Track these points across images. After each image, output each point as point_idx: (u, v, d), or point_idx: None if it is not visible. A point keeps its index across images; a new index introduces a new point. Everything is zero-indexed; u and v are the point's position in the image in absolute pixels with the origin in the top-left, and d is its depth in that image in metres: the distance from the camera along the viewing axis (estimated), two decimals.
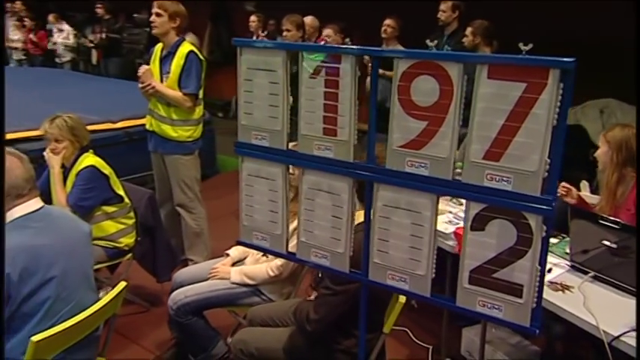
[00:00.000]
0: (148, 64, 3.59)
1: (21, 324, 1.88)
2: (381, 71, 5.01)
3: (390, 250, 1.62)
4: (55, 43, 9.10)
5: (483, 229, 1.47)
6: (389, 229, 1.61)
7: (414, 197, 1.55)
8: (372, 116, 1.59)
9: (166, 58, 3.50)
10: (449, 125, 1.45)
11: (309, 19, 6.13)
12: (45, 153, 2.95)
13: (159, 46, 3.58)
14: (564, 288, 2.26)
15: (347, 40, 5.64)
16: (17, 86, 6.85)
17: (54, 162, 2.88)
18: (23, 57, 9.58)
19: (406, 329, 3.20)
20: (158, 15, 3.41)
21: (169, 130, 3.47)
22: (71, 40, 9.03)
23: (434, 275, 1.58)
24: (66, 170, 2.96)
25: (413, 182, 1.53)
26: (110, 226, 3.02)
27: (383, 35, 5.22)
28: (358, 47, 1.53)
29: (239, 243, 1.93)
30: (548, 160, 1.34)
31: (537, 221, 1.39)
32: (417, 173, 1.52)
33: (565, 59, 1.27)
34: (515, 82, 1.34)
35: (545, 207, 1.36)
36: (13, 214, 1.92)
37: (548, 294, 2.19)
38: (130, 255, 3.15)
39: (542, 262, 1.42)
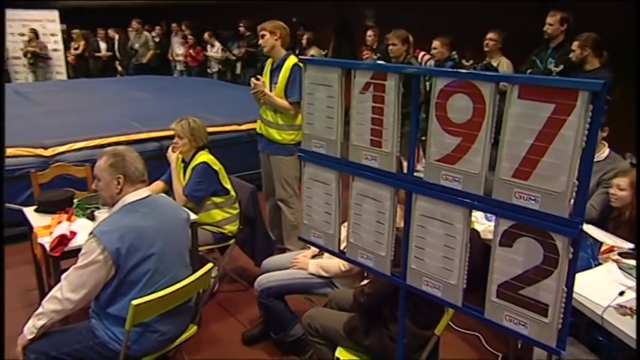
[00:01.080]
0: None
1: (128, 289, 2.11)
2: None
3: (426, 258, 1.58)
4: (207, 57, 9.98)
5: (511, 246, 1.37)
6: (425, 238, 1.56)
7: (448, 209, 1.49)
8: (413, 132, 1.55)
9: (275, 71, 3.68)
10: (481, 142, 1.37)
11: None
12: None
13: (270, 61, 3.78)
14: (634, 313, 2.00)
15: (453, 52, 5.46)
16: (177, 92, 7.62)
17: (172, 158, 3.20)
18: (184, 68, 10.58)
19: (478, 334, 3.04)
20: (262, 36, 3.61)
21: (275, 134, 3.65)
22: (219, 54, 9.80)
23: (465, 285, 1.51)
24: (185, 164, 3.25)
25: (447, 195, 1.48)
26: (217, 214, 3.26)
27: (485, 49, 4.96)
28: (400, 65, 1.50)
29: (300, 239, 2.00)
30: (576, 182, 1.22)
31: (564, 242, 1.27)
32: (451, 187, 1.46)
33: (594, 81, 1.15)
34: (545, 103, 1.24)
35: (571, 229, 1.24)
36: (126, 199, 2.17)
37: (613, 317, 1.97)
38: (233, 240, 3.36)
39: (569, 283, 1.29)
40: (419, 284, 1.61)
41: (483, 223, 2.78)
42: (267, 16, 9.81)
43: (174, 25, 10.86)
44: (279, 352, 2.90)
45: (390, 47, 4.94)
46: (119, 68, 11.35)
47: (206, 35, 9.99)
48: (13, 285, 3.33)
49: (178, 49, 10.55)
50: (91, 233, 2.07)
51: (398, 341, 1.76)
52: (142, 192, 2.21)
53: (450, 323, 3.01)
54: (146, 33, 10.68)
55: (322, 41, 8.91)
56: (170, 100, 6.82)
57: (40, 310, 2.08)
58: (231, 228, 3.32)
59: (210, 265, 2.32)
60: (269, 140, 3.70)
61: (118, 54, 11.32)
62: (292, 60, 3.62)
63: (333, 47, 8.87)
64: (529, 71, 4.42)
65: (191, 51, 10.26)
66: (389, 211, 1.64)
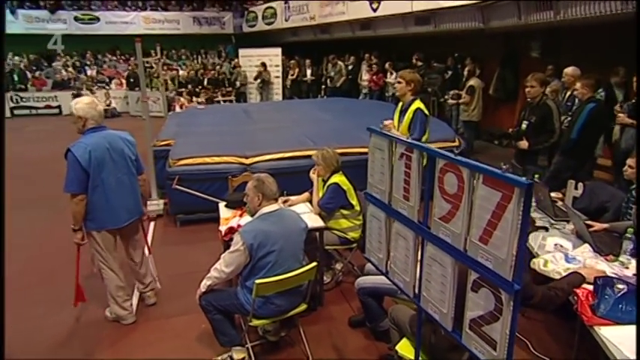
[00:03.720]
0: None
1: (257, 272, 2.75)
2: (630, 121, 4.35)
3: (431, 289, 1.84)
4: (386, 83, 10.54)
5: (477, 292, 1.58)
6: (430, 274, 1.83)
7: (443, 256, 1.74)
8: (427, 196, 1.82)
9: (403, 112, 4.03)
10: (461, 211, 1.61)
11: (570, 70, 5.62)
12: None
13: (400, 104, 4.13)
14: None
15: (599, 90, 4.97)
16: (353, 114, 8.24)
17: (313, 178, 3.81)
18: (367, 91, 11.34)
19: (527, 340, 3.08)
20: (399, 82, 3.96)
21: None
22: (394, 81, 10.25)
23: (453, 315, 1.74)
24: (324, 182, 3.83)
25: (442, 245, 1.73)
26: (344, 223, 3.76)
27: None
28: (421, 145, 1.80)
29: (365, 257, 2.38)
30: (514, 254, 1.40)
31: (506, 297, 1.45)
32: (445, 239, 1.72)
33: (525, 181, 1.33)
34: (496, 191, 1.44)
35: (510, 288, 1.42)
36: (262, 210, 2.83)
37: None
38: (355, 245, 3.83)
39: (512, 329, 1.46)
40: (427, 308, 1.89)
41: (560, 264, 2.73)
42: (438, 48, 9.90)
43: (366, 55, 11.68)
44: (373, 337, 3.28)
45: (528, 89, 4.76)
46: (321, 91, 12.72)
47: (387, 65, 10.55)
48: (209, 253, 4.32)
49: (364, 75, 11.35)
50: (239, 231, 2.80)
51: (415, 347, 2.04)
52: (273, 206, 2.85)
53: None
54: (340, 62, 11.74)
55: (488, 71, 8.68)
56: (344, 121, 7.49)
57: (208, 274, 2.87)
58: (354, 234, 3.79)
59: (314, 263, 2.85)
60: None
61: (322, 79, 12.72)
62: (416, 105, 3.93)
63: (497, 77, 8.57)
64: None
65: (374, 77, 10.94)
66: (412, 249, 1.94)
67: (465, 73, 7.95)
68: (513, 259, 1.40)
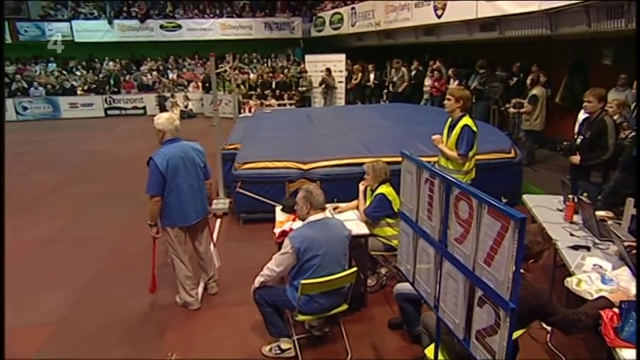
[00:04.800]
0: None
1: (303, 273, 3.06)
2: None
3: (447, 301, 2.04)
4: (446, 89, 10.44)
5: (482, 307, 1.77)
6: (446, 287, 2.03)
7: (457, 273, 1.93)
8: (445, 216, 2.02)
9: (452, 127, 4.15)
10: (471, 235, 1.80)
11: None
12: None
13: (450, 119, 4.24)
14: None
15: None
16: (412, 121, 8.22)
17: (360, 189, 4.05)
18: (429, 97, 11.27)
19: (563, 357, 3.08)
20: (448, 99, 4.09)
21: None
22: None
23: (464, 325, 1.93)
24: (372, 191, 4.06)
25: (455, 263, 1.93)
26: (388, 231, 3.97)
27: None
28: (444, 175, 2.00)
29: (394, 266, 2.61)
30: (510, 277, 1.58)
31: (503, 314, 1.63)
32: (457, 259, 1.91)
33: (519, 215, 1.51)
34: (497, 221, 1.62)
35: (507, 307, 1.60)
36: (310, 218, 3.13)
37: None
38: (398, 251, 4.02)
39: (509, 342, 1.64)
40: (443, 317, 2.09)
41: (595, 284, 2.77)
42: (504, 55, 9.62)
43: (431, 61, 11.60)
44: (409, 340, 3.47)
45: (585, 104, 4.66)
46: (384, 96, 12.84)
47: (450, 71, 10.45)
48: (266, 250, 4.66)
49: (426, 81, 11.31)
50: (288, 235, 3.13)
51: (436, 350, 2.24)
52: (320, 215, 3.15)
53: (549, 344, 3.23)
54: (403, 68, 11.78)
55: (556, 79, 8.36)
56: (402, 128, 7.52)
57: (262, 272, 3.23)
58: (397, 242, 3.99)
59: (354, 268, 3.11)
60: None
61: (385, 83, 12.83)
62: (464, 121, 4.03)
63: (565, 85, 8.21)
64: None
65: (436, 83, 10.88)
66: (432, 264, 2.15)
67: (528, 81, 7.73)
68: (510, 282, 1.58)
